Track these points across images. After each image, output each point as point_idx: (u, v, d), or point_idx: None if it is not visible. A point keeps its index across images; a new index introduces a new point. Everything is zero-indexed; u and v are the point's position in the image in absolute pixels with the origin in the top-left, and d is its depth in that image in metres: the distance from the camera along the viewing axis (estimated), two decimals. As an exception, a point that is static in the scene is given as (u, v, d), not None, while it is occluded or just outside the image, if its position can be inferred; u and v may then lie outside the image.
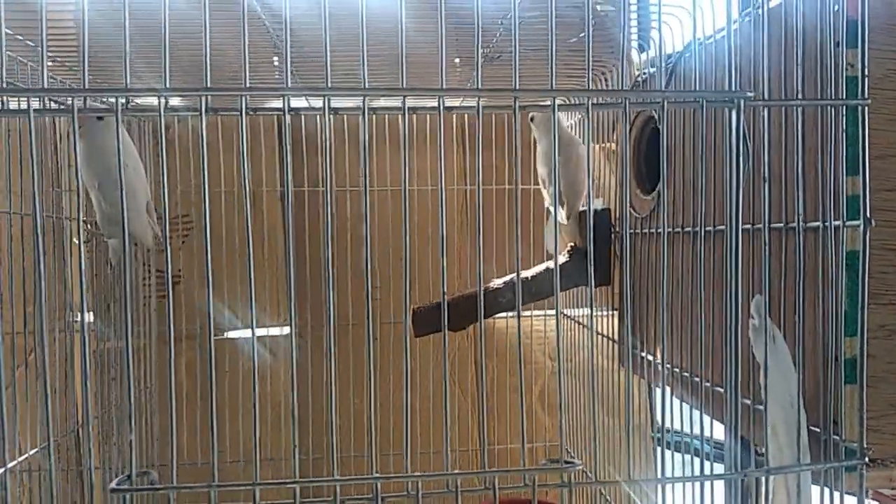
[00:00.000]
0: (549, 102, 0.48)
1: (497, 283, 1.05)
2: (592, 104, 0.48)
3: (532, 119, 1.07)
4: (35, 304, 0.74)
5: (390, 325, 1.33)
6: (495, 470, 0.45)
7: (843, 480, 0.51)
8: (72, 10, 0.82)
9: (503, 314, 1.26)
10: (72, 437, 1.12)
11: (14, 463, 0.79)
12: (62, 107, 0.74)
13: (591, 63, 0.51)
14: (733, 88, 0.50)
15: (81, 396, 0.65)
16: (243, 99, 0.48)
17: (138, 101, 0.81)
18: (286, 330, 1.39)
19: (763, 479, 0.54)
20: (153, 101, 0.50)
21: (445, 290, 0.54)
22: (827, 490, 0.52)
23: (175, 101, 0.91)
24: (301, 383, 1.33)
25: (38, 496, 0.84)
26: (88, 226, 1.03)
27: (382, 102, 1.22)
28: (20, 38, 0.78)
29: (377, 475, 0.46)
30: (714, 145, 0.67)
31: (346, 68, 1.06)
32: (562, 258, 1.04)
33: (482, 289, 1.04)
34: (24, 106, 0.45)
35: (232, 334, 1.37)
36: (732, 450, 0.51)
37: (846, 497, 0.52)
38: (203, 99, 0.48)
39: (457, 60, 1.15)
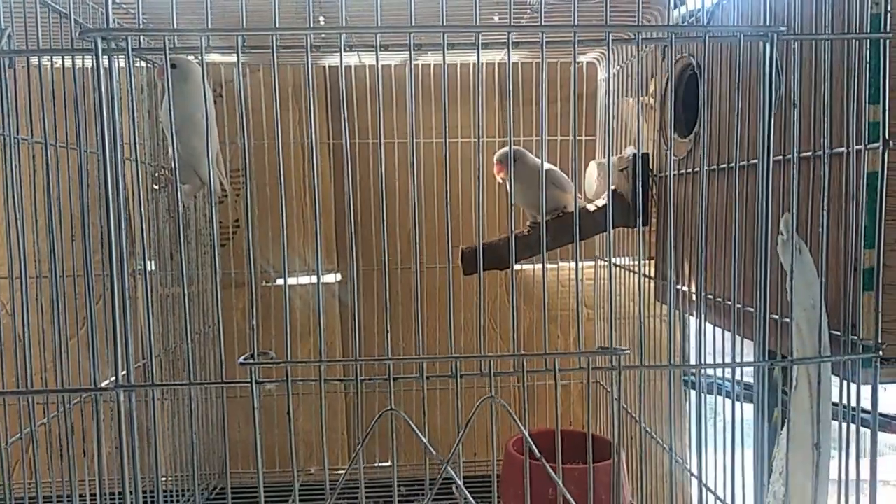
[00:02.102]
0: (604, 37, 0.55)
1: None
2: (642, 38, 0.54)
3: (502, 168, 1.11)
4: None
5: (435, 270, 1.41)
6: (555, 353, 0.53)
7: (859, 372, 0.58)
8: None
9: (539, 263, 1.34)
10: (139, 371, 1.23)
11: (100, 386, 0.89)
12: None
13: (641, 1, 0.57)
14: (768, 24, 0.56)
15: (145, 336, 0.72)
16: (274, 38, 0.55)
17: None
18: (332, 277, 1.48)
19: (788, 374, 0.62)
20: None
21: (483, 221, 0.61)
22: (845, 383, 0.60)
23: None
24: (349, 327, 1.44)
25: (108, 421, 0.94)
26: (165, 171, 1.11)
27: (423, 60, 1.28)
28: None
29: (455, 355, 0.54)
30: (749, 85, 0.73)
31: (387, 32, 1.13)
32: (602, 201, 1.10)
33: (528, 228, 1.12)
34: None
35: (282, 281, 1.46)
36: (761, 342, 0.58)
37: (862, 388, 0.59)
38: (238, 38, 0.55)
39: (496, 18, 1.21)
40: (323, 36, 1.02)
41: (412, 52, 0.60)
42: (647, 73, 1.17)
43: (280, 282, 1.45)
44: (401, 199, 1.38)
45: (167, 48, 0.57)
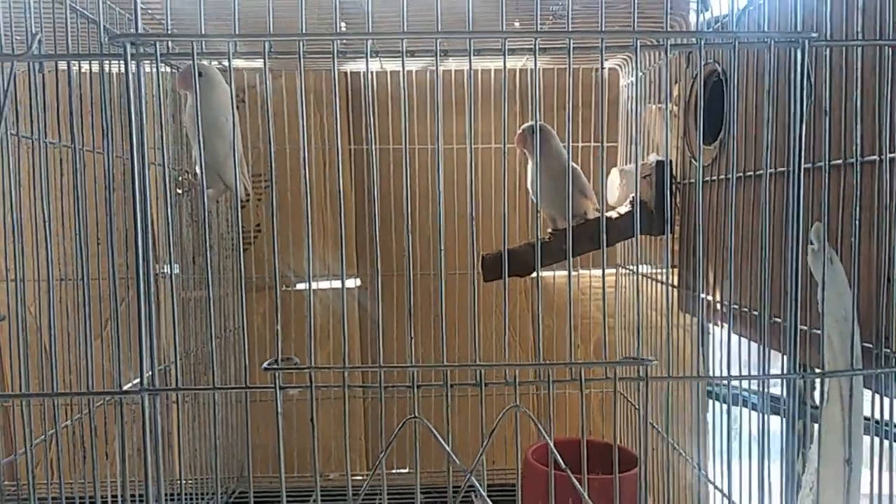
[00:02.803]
0: (631, 43, 0.54)
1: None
2: (671, 44, 0.54)
3: (525, 141, 1.10)
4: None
5: (455, 276, 1.41)
6: (581, 362, 0.53)
7: (892, 385, 0.57)
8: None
9: (563, 271, 1.33)
10: (161, 374, 1.23)
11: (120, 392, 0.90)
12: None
13: (669, 6, 0.57)
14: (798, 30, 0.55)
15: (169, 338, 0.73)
16: (300, 43, 0.55)
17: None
18: (354, 282, 1.49)
19: (817, 392, 0.60)
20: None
21: (507, 227, 0.61)
22: (878, 396, 0.58)
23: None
24: (369, 333, 1.44)
25: (131, 423, 0.94)
26: (189, 175, 1.12)
27: (444, 66, 1.28)
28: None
29: (480, 363, 0.53)
30: (776, 91, 0.72)
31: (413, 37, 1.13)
32: (625, 208, 1.09)
33: (549, 235, 1.12)
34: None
35: (301, 286, 1.46)
36: (792, 354, 0.57)
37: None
38: (266, 43, 0.55)
39: (517, 24, 1.21)
40: (346, 41, 1.02)
41: (438, 59, 0.59)
42: (671, 79, 1.16)
43: (301, 286, 1.45)
44: (421, 205, 1.38)
45: (195, 54, 0.57)
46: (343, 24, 1.18)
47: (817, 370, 0.62)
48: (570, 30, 0.58)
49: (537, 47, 0.60)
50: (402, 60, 0.58)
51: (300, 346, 1.36)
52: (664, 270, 1.19)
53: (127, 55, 0.51)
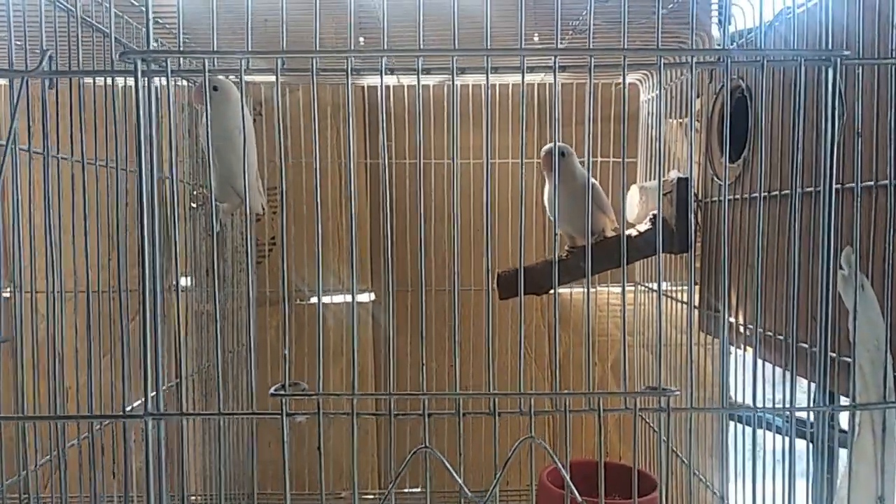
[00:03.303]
0: (654, 60, 0.53)
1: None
2: (696, 62, 0.52)
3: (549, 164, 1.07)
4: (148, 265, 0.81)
5: (470, 292, 1.39)
6: (600, 392, 0.51)
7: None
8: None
9: (580, 287, 1.31)
10: (171, 390, 1.22)
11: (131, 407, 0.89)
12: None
13: (694, 23, 0.55)
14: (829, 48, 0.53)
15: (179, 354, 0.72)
16: (314, 60, 0.54)
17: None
18: (367, 297, 1.47)
19: (847, 427, 0.58)
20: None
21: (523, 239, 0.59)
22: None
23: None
24: (382, 348, 1.42)
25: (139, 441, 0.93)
26: (204, 189, 1.12)
27: (461, 80, 1.26)
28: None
29: (495, 392, 0.51)
30: (804, 107, 0.70)
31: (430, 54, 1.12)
32: (644, 226, 1.07)
33: (566, 253, 1.09)
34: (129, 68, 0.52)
35: (315, 300, 1.44)
36: (820, 384, 0.54)
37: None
38: (278, 60, 0.54)
39: (535, 38, 1.19)
40: (363, 58, 1.01)
41: (455, 76, 0.58)
42: (692, 94, 1.14)
43: (314, 300, 1.44)
44: (436, 219, 1.36)
45: (207, 70, 0.56)
46: (361, 40, 1.17)
47: (845, 399, 0.59)
48: (592, 47, 0.56)
49: (557, 65, 0.58)
50: (418, 78, 0.57)
51: (313, 362, 1.33)
52: (683, 288, 1.17)
53: (137, 72, 0.50)
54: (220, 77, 1.01)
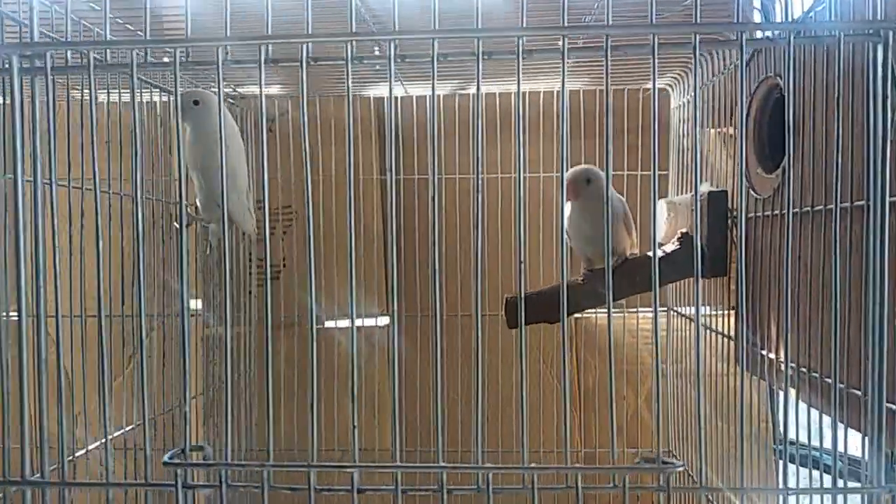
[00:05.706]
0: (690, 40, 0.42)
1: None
2: (747, 39, 0.41)
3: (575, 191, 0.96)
4: (150, 287, 0.74)
5: (486, 317, 1.28)
6: (579, 467, 0.40)
7: None
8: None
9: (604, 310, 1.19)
10: (170, 416, 1.14)
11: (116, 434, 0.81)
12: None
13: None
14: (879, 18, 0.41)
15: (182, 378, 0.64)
16: (304, 47, 0.45)
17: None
18: (383, 321, 1.38)
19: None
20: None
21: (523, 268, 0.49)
22: None
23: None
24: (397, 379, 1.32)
25: (132, 469, 0.86)
26: (194, 208, 1.04)
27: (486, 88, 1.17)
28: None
29: (487, 465, 0.41)
30: (851, 104, 0.58)
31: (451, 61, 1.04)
32: (671, 246, 0.95)
33: (582, 277, 0.98)
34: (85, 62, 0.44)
35: (329, 324, 1.36)
36: (874, 459, 0.42)
37: None
38: (263, 48, 0.45)
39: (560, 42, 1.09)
40: (377, 67, 0.93)
41: (480, 61, 0.49)
42: (728, 97, 1.02)
43: (328, 324, 1.36)
44: (448, 237, 1.27)
45: (178, 85, 0.48)
46: (376, 50, 1.10)
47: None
48: (610, 24, 0.46)
49: (566, 47, 0.48)
50: (433, 64, 0.48)
51: (329, 385, 1.24)
52: (717, 314, 1.04)
53: (13, 69, 0.42)
54: (202, 90, 0.93)
